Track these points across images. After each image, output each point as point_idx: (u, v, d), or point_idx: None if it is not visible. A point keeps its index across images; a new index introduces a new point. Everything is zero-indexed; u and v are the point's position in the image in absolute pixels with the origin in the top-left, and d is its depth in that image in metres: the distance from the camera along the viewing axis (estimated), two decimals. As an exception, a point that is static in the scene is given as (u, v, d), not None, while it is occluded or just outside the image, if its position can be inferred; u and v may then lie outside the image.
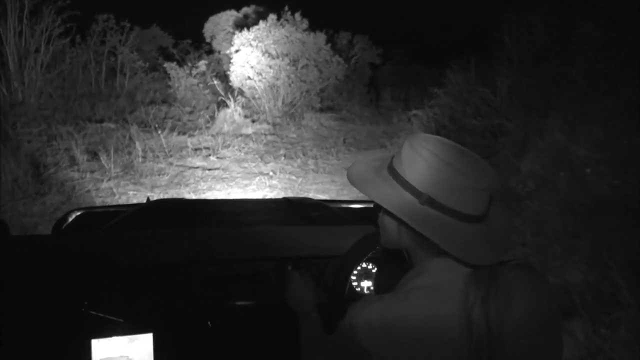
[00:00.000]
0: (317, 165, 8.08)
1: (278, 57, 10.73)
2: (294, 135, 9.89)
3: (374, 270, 1.67)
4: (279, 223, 2.31)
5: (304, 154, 8.60)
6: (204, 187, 6.74)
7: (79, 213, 2.56)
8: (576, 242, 3.04)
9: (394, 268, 1.46)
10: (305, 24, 11.46)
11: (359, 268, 1.66)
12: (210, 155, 8.06)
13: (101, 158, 6.98)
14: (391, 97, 13.71)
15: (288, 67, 10.70)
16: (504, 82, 6.47)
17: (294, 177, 7.42)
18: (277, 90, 10.71)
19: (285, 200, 2.81)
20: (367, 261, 1.65)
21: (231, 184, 6.96)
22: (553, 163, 3.06)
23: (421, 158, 0.99)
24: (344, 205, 2.71)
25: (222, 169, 7.51)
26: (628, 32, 5.97)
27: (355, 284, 1.66)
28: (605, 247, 3.02)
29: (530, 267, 1.06)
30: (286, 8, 11.47)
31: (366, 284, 1.67)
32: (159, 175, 6.99)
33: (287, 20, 11.38)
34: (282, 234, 1.84)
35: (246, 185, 6.95)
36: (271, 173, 7.50)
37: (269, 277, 1.70)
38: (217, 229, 1.98)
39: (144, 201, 2.81)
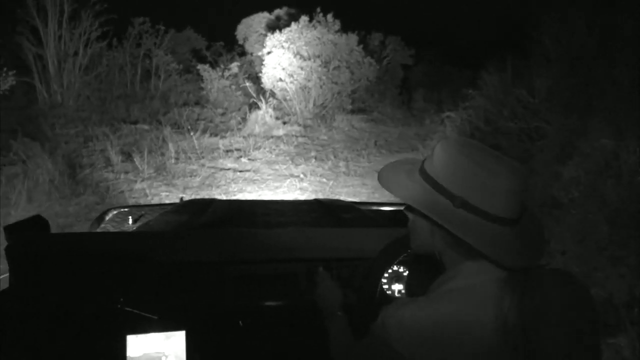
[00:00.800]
0: (348, 168, 8.01)
1: (310, 59, 10.73)
2: (325, 137, 9.84)
3: (405, 274, 1.66)
4: (310, 224, 2.30)
5: (334, 156, 8.54)
6: (235, 189, 6.76)
7: (115, 212, 2.61)
8: (623, 253, 2.88)
9: (426, 272, 1.42)
10: (337, 25, 11.42)
11: (390, 271, 1.65)
12: (241, 156, 8.09)
13: (135, 159, 7.08)
14: (423, 98, 13.52)
15: (319, 69, 10.68)
16: (542, 84, 6.25)
17: (324, 180, 7.37)
18: (308, 92, 10.69)
19: (317, 201, 2.79)
20: (399, 264, 1.64)
21: (262, 186, 6.96)
22: (599, 169, 2.91)
23: (453, 161, 1.00)
24: (375, 208, 2.69)
25: (253, 171, 7.52)
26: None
27: (386, 286, 1.65)
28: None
29: (568, 273, 1.02)
30: (318, 9, 11.46)
31: (397, 287, 1.66)
32: (191, 176, 7.05)
33: (319, 21, 11.36)
34: (313, 236, 1.83)
35: (277, 188, 6.94)
36: (302, 175, 7.47)
37: (299, 278, 1.70)
38: (249, 229, 1.97)
39: (178, 201, 2.85)
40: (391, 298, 1.63)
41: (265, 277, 1.69)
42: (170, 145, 7.81)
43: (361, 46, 11.61)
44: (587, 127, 5.84)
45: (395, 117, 12.00)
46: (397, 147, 9.81)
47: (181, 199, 3.03)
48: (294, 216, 2.41)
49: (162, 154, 7.63)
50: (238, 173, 7.40)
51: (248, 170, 7.53)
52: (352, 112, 11.46)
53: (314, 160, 8.26)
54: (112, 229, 2.47)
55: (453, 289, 1.01)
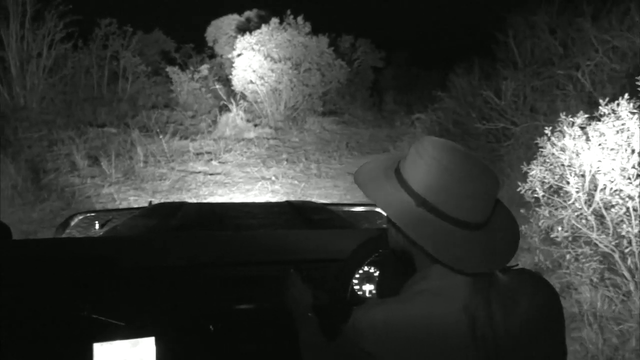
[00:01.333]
0: (320, 170, 8.02)
1: (280, 61, 10.70)
2: (296, 139, 9.83)
3: (376, 274, 1.65)
4: (281, 226, 2.30)
5: (306, 159, 8.54)
6: (206, 193, 6.68)
7: (81, 217, 2.55)
8: (590, 249, 2.96)
9: (397, 272, 1.38)
10: (307, 27, 11.42)
11: (361, 272, 1.64)
12: (212, 159, 8.01)
13: (102, 163, 6.93)
14: (393, 100, 13.67)
15: (290, 71, 10.66)
16: (509, 86, 6.39)
17: (296, 182, 7.35)
18: (279, 94, 10.66)
19: (288, 203, 2.78)
20: (370, 265, 1.63)
21: (233, 189, 6.90)
22: (562, 168, 2.99)
23: (423, 162, 0.98)
24: (347, 209, 2.69)
25: (224, 174, 7.45)
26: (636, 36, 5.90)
27: (357, 287, 1.64)
28: (620, 254, 2.94)
29: (534, 273, 1.05)
30: (288, 12, 11.44)
31: (368, 287, 1.65)
32: (160, 180, 6.94)
33: (289, 24, 11.34)
34: (284, 237, 1.82)
35: (248, 191, 6.89)
36: (273, 178, 7.44)
37: (271, 281, 1.67)
38: (219, 232, 1.96)
39: (146, 205, 2.81)
40: (362, 298, 1.63)
41: (236, 280, 1.67)
42: (139, 148, 7.68)
43: (332, 48, 11.63)
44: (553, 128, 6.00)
45: (366, 119, 12.07)
46: (369, 149, 9.86)
47: (150, 202, 2.98)
48: (265, 219, 2.39)
49: (131, 158, 7.49)
50: (209, 176, 7.32)
51: (219, 174, 7.46)
52: (323, 114, 11.47)
53: (285, 162, 8.24)
54: (77, 235, 2.41)
55: (424, 290, 0.99)
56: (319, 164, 8.33)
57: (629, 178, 2.70)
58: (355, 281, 1.63)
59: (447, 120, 8.03)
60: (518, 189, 3.34)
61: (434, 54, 14.37)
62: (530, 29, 7.31)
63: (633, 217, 2.80)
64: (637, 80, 2.97)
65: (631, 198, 2.75)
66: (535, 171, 3.10)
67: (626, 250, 2.82)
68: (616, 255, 2.91)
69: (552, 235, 2.96)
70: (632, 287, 2.98)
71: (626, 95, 2.87)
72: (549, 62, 6.84)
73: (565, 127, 2.99)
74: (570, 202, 2.86)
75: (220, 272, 1.68)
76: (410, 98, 13.30)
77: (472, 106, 7.62)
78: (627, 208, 2.77)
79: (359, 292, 1.64)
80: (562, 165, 2.95)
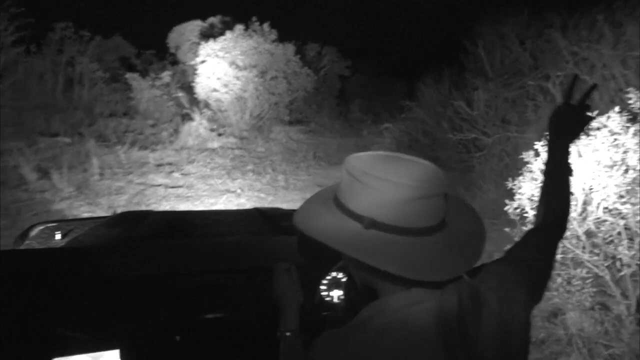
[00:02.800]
0: (287, 182, 7.74)
1: (245, 69, 10.47)
2: (263, 149, 9.54)
3: (343, 280, 1.64)
4: (249, 233, 2.28)
5: (273, 170, 8.25)
6: (167, 207, 6.30)
7: (41, 227, 2.48)
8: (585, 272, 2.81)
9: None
10: (273, 34, 11.22)
11: (329, 277, 1.63)
12: (173, 171, 7.62)
13: (53, 176, 6.45)
14: (360, 109, 13.70)
15: (256, 79, 10.44)
16: (480, 96, 6.28)
17: (262, 195, 7.05)
18: (244, 103, 10.39)
19: (256, 210, 2.77)
20: (338, 270, 1.63)
21: (196, 202, 6.54)
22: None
23: (356, 180, 0.92)
24: None
25: (187, 187, 7.07)
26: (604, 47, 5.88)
27: (325, 293, 1.64)
28: (612, 277, 2.79)
29: (502, 275, 1.00)
30: (254, 18, 11.19)
31: (336, 292, 1.64)
32: (117, 194, 6.50)
33: (255, 30, 11.11)
34: (252, 245, 1.81)
35: (212, 205, 6.54)
36: (239, 190, 7.11)
37: (239, 289, 1.65)
38: (186, 240, 1.92)
39: (110, 214, 2.77)
40: (330, 304, 1.63)
41: (203, 289, 1.63)
42: (94, 159, 7.22)
43: (298, 56, 11.49)
44: (525, 139, 5.91)
45: (334, 128, 11.99)
46: (337, 159, 9.67)
47: (114, 211, 2.78)
48: (233, 226, 2.36)
49: (85, 170, 7.02)
50: (170, 189, 6.92)
51: (181, 186, 7.08)
52: (290, 123, 11.29)
53: (251, 174, 7.93)
54: (37, 246, 2.34)
55: (383, 324, 0.91)
56: (286, 175, 8.06)
57: (622, 196, 2.55)
58: (323, 287, 1.63)
59: (417, 130, 7.89)
60: (506, 207, 3.15)
61: (401, 63, 14.43)
62: (499, 39, 7.26)
63: (625, 237, 2.66)
64: (627, 93, 2.85)
65: (623, 217, 2.60)
66: (525, 188, 2.91)
67: (620, 274, 2.67)
68: (607, 277, 2.76)
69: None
70: (623, 309, 2.84)
71: (617, 109, 2.73)
72: (519, 72, 6.79)
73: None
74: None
75: (186, 281, 1.64)
76: (378, 107, 13.38)
77: (442, 116, 7.52)
78: (620, 228, 2.62)
79: (327, 298, 1.63)
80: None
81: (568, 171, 1.23)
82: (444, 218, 0.94)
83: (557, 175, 1.23)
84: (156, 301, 1.58)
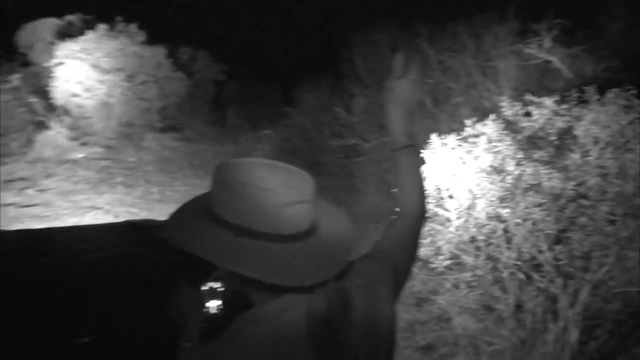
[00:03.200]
0: (163, 194, 7.25)
1: (111, 72, 9.79)
2: (133, 159, 8.89)
3: (221, 289, 1.47)
4: (121, 248, 2.14)
5: (146, 181, 7.70)
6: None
7: None
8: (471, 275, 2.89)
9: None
10: (142, 36, 10.58)
11: (205, 287, 1.46)
12: (27, 187, 6.74)
13: None
14: (236, 115, 13.54)
15: (123, 83, 9.84)
16: (359, 102, 6.38)
17: (135, 210, 6.48)
18: (110, 109, 9.69)
19: (129, 223, 2.60)
20: (215, 279, 1.45)
21: (55, 223, 5.79)
22: (439, 191, 2.89)
23: (226, 188, 0.92)
24: None
25: (43, 205, 6.26)
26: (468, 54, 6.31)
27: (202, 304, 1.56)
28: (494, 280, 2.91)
29: (368, 272, 1.04)
30: (120, 18, 10.44)
31: (215, 303, 1.45)
32: (-46, 217, 5.54)
33: (120, 31, 10.39)
34: (126, 260, 1.76)
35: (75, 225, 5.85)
36: (107, 207, 6.46)
37: (109, 308, 1.60)
38: (44, 260, 1.81)
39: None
40: (208, 316, 1.45)
41: (71, 311, 1.50)
42: None
43: (170, 60, 10.98)
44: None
45: (209, 135, 11.75)
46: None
47: None
48: (102, 241, 2.14)
49: None
50: (23, 209, 6.07)
51: (36, 205, 6.25)
52: (163, 130, 10.79)
53: (121, 187, 7.31)
54: None
55: (256, 335, 0.91)
56: (161, 187, 7.55)
57: (503, 199, 2.67)
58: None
59: (297, 137, 7.84)
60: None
61: (277, 68, 14.43)
62: (373, 46, 7.47)
63: (504, 240, 2.77)
64: (501, 103, 2.99)
65: (503, 221, 2.71)
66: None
67: (503, 275, 2.78)
68: (489, 278, 2.87)
69: (432, 266, 2.81)
70: (503, 307, 2.97)
71: (492, 116, 2.85)
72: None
73: (439, 148, 2.86)
74: (450, 228, 2.74)
75: (52, 303, 1.50)
76: (255, 112, 13.29)
77: (322, 122, 7.54)
78: (500, 231, 2.74)
79: (204, 309, 1.46)
80: (439, 188, 2.82)
81: (415, 160, 1.24)
82: (314, 223, 0.96)
83: (406, 164, 1.23)
84: (19, 327, 1.38)
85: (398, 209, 1.22)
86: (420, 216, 1.23)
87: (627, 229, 2.63)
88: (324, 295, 0.92)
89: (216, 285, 1.43)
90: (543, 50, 5.27)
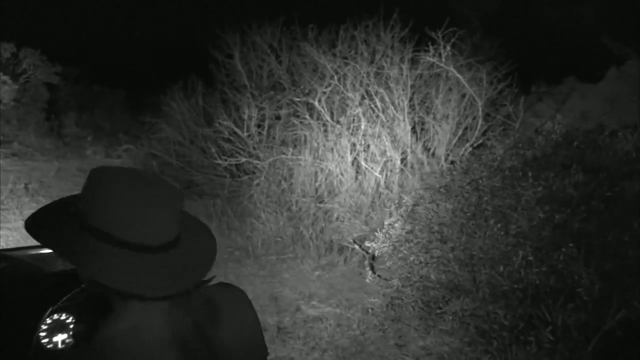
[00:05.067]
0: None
1: None
2: (-56, 186, 6.90)
3: (69, 320, 1.44)
4: None
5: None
6: None
7: None
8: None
9: (97, 313, 1.13)
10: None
11: (49, 321, 1.42)
12: None
13: None
14: (75, 123, 12.02)
15: None
16: (250, 114, 5.55)
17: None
18: None
19: None
20: (59, 311, 1.44)
21: None
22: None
23: (95, 193, 0.91)
24: (34, 252, 2.31)
25: None
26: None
27: (45, 340, 1.40)
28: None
29: (229, 285, 1.08)
30: None
31: (61, 337, 1.42)
32: None
33: None
34: None
35: None
36: None
37: None
38: None
39: None
40: (52, 352, 1.41)
41: None
42: None
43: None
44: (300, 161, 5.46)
45: (45, 149, 10.31)
46: (59, 190, 7.83)
47: None
48: None
49: None
50: None
51: None
52: (-20, 145, 8.74)
53: None
54: None
55: (118, 332, 0.90)
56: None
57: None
58: (42, 334, 1.43)
59: (168, 152, 6.69)
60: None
61: (121, 71, 12.98)
62: (252, 50, 6.68)
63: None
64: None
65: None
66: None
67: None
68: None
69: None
70: None
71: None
72: (280, 87, 6.34)
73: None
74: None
75: None
76: (99, 120, 11.88)
77: (196, 136, 6.55)
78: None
79: (48, 345, 1.42)
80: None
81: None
82: (179, 235, 0.96)
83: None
84: None
85: None
86: None
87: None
88: (188, 302, 0.94)
89: (63, 317, 1.43)
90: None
